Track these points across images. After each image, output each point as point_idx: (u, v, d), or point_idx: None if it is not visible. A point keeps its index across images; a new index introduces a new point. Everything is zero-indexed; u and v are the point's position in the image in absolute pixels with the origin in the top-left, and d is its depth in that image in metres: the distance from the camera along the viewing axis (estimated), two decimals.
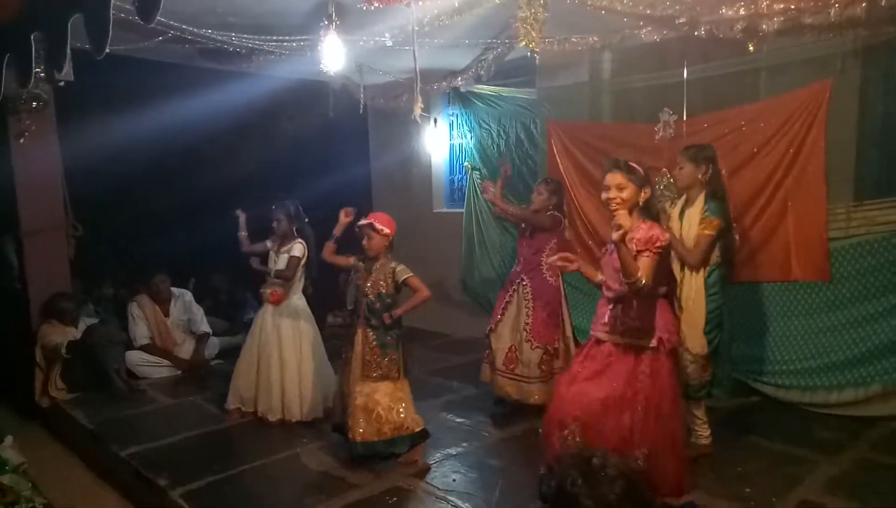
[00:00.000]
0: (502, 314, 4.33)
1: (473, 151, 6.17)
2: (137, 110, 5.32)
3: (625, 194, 2.66)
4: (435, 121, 6.61)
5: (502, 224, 5.97)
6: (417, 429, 3.53)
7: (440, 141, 6.74)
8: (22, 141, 4.84)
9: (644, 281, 2.53)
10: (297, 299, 4.40)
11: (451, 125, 6.71)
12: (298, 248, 4.31)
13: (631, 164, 2.71)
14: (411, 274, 3.50)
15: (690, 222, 3.37)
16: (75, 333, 5.09)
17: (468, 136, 6.25)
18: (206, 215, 5.75)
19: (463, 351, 5.70)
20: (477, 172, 6.15)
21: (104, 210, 5.67)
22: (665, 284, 2.81)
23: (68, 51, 2.18)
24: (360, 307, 3.51)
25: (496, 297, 5.97)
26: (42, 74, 3.62)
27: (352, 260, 3.61)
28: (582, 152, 5.18)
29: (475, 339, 5.75)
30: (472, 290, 6.27)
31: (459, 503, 3.15)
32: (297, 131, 6.70)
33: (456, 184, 6.88)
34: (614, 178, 2.68)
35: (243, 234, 4.53)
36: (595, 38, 4.46)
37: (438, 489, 3.30)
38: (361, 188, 7.36)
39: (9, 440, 4.10)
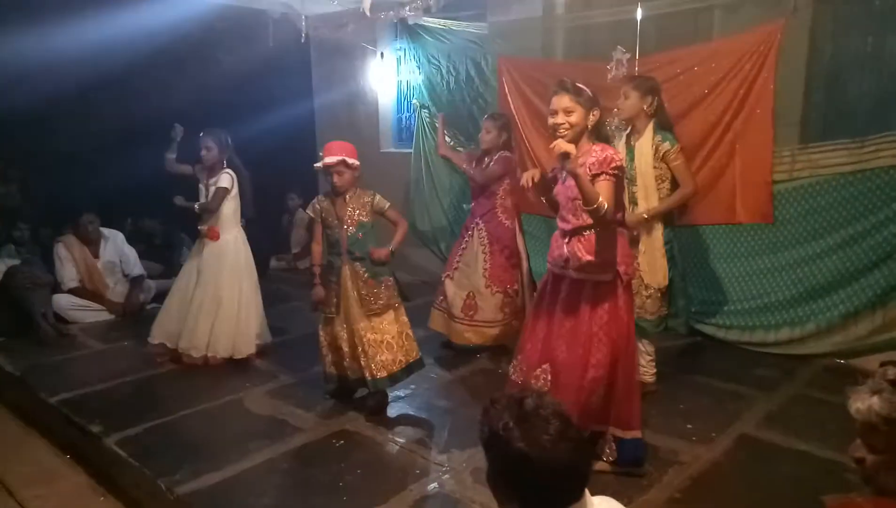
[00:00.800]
0: (458, 261, 4.27)
1: (422, 87, 5.94)
2: (53, 28, 4.82)
3: (573, 118, 2.52)
4: (382, 55, 6.31)
5: (451, 165, 5.84)
6: (417, 356, 3.53)
7: (387, 77, 6.47)
8: None
9: (606, 206, 2.42)
10: (234, 235, 4.21)
11: (398, 60, 6.44)
12: (225, 179, 4.09)
13: (578, 85, 2.56)
14: (389, 203, 3.43)
15: (641, 152, 3.33)
16: None
17: (417, 71, 6.00)
18: (135, 151, 5.37)
19: (411, 295, 5.63)
20: (426, 111, 5.94)
21: (17, 141, 5.21)
22: (622, 211, 2.73)
23: None
24: (340, 244, 3.35)
25: (445, 240, 5.95)
26: None
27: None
28: (533, 91, 5.05)
29: (423, 283, 5.70)
30: (420, 232, 6.16)
31: (407, 445, 3.12)
32: (234, 63, 6.27)
33: (404, 123, 6.67)
34: (561, 100, 2.53)
35: (171, 156, 4.29)
36: None
37: (387, 430, 3.26)
38: (304, 125, 7.06)
39: None
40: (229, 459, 3.01)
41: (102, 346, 4.67)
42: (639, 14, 4.37)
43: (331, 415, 3.42)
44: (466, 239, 4.27)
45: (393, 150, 6.63)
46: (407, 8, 5.02)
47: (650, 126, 3.34)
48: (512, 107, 5.16)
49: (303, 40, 5.37)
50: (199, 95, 5.78)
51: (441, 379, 3.96)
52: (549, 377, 2.68)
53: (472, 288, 4.20)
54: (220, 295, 4.12)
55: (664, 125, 3.39)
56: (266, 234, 6.12)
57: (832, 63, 3.91)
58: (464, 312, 4.21)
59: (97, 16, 4.97)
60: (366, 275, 3.34)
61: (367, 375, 3.35)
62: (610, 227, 2.59)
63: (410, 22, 5.61)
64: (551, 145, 2.42)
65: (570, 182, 2.54)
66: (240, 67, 6.21)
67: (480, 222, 4.21)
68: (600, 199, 2.41)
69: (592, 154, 2.52)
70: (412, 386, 3.76)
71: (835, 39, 3.89)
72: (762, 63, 3.97)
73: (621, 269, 2.62)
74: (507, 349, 4.21)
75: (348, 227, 3.33)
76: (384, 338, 3.36)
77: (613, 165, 2.49)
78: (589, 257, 2.58)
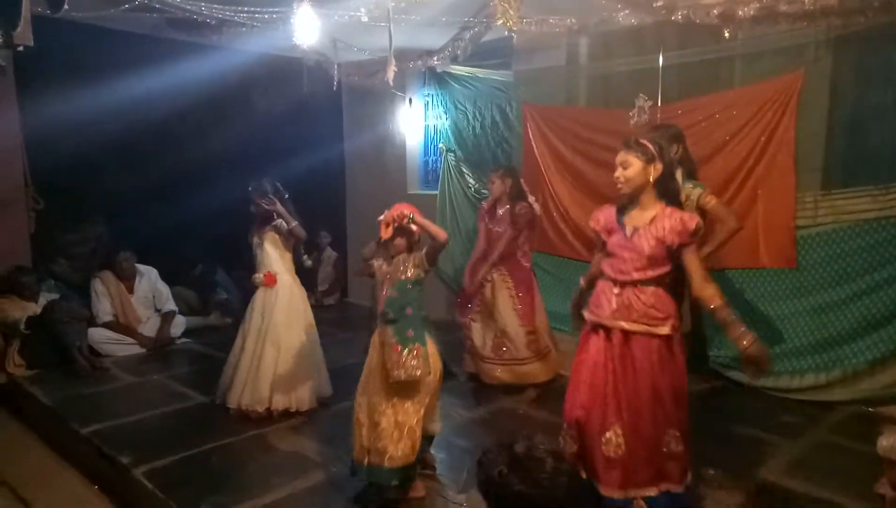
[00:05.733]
0: (477, 306, 4.37)
1: (449, 132, 6.12)
2: (103, 81, 5.14)
3: (629, 172, 2.51)
4: (410, 101, 6.53)
5: (476, 207, 5.95)
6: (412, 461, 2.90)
7: (415, 122, 6.67)
8: None
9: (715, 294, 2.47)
10: (291, 280, 4.11)
11: (426, 106, 6.65)
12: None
13: (640, 140, 2.55)
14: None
15: None
16: (35, 308, 4.96)
17: (443, 117, 6.19)
18: (176, 193, 5.63)
19: (435, 333, 5.67)
20: (452, 154, 6.11)
21: (67, 184, 5.50)
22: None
23: (23, 7, 2.09)
24: (377, 309, 3.02)
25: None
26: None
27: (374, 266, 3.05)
28: (557, 136, 5.17)
29: (446, 321, 5.75)
30: (445, 272, 6.25)
31: (427, 483, 3.13)
32: (269, 109, 6.56)
33: (430, 166, 6.83)
34: (619, 155, 2.56)
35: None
36: (573, 20, 4.44)
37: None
38: (335, 168, 7.27)
39: None
40: (252, 493, 3.05)
41: (134, 379, 4.79)
42: (660, 63, 4.50)
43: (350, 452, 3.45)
44: (483, 285, 4.35)
45: (419, 191, 6.77)
46: (435, 57, 5.21)
47: (678, 175, 3.30)
48: (536, 152, 5.28)
49: (335, 87, 5.58)
50: (235, 138, 6.05)
51: (461, 419, 3.97)
52: (623, 441, 2.54)
53: (499, 329, 4.28)
54: (281, 343, 3.96)
55: (690, 173, 3.43)
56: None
57: (854, 111, 3.95)
58: (493, 352, 4.29)
59: (143, 68, 5.28)
60: (393, 339, 2.86)
61: (380, 460, 2.84)
62: (666, 279, 2.56)
63: (438, 70, 5.81)
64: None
65: (644, 239, 2.52)
66: (275, 112, 6.49)
67: (503, 267, 4.31)
68: (716, 299, 2.47)
69: (665, 219, 2.50)
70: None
71: (856, 88, 3.94)
72: (783, 111, 4.04)
73: (676, 323, 2.57)
74: (524, 389, 4.27)
75: (387, 291, 2.95)
76: (406, 422, 2.85)
77: (691, 231, 2.47)
78: (648, 307, 2.53)
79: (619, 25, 4.34)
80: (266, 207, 3.96)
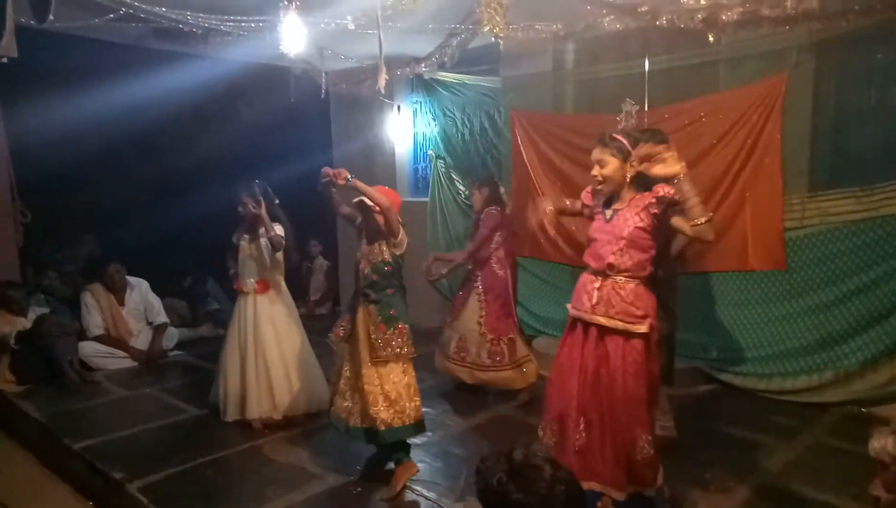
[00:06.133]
0: (461, 309, 4.40)
1: (438, 139, 6.14)
2: (88, 92, 5.11)
3: (606, 170, 2.55)
4: (398, 108, 6.54)
5: (466, 213, 5.97)
6: (420, 418, 3.23)
7: (404, 129, 6.68)
8: None
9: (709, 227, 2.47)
10: (280, 289, 4.12)
11: (414, 113, 6.66)
12: (278, 226, 4.00)
13: (614, 135, 2.58)
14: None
15: None
16: (25, 323, 4.92)
17: (432, 124, 6.20)
18: (165, 203, 5.60)
19: (426, 341, 5.61)
20: (441, 161, 6.12)
21: (54, 196, 5.46)
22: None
23: (8, 20, 2.08)
24: (359, 286, 3.22)
25: (459, 286, 6.03)
26: None
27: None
28: (545, 142, 5.20)
29: (438, 329, 5.76)
30: (430, 268, 6.26)
31: (424, 492, 3.14)
32: (256, 117, 6.55)
33: (420, 173, 6.84)
34: (594, 153, 2.59)
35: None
36: (559, 26, 4.47)
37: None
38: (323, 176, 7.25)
39: None
40: (248, 506, 3.05)
41: (125, 393, 4.76)
42: (646, 67, 4.54)
43: (349, 462, 3.44)
44: (468, 289, 4.41)
45: (410, 198, 6.77)
46: (422, 64, 5.23)
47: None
48: (525, 158, 5.31)
49: (323, 95, 5.58)
50: (223, 148, 6.04)
51: (457, 427, 3.98)
52: (583, 434, 2.60)
53: (464, 331, 4.34)
54: (275, 352, 3.99)
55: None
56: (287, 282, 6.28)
57: (837, 113, 4.01)
58: (456, 352, 4.37)
59: (130, 79, 5.25)
60: (378, 319, 3.13)
61: (369, 424, 3.14)
62: (648, 275, 2.58)
63: (426, 77, 5.83)
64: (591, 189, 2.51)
65: (621, 219, 2.55)
66: (262, 121, 6.48)
67: (477, 272, 4.35)
68: (702, 219, 2.46)
69: (644, 198, 2.54)
70: (428, 434, 3.78)
71: (839, 91, 3.99)
72: (768, 114, 4.08)
73: (653, 322, 2.57)
74: (514, 395, 4.29)
75: (364, 270, 3.18)
76: (393, 390, 3.11)
77: (671, 196, 2.48)
78: (627, 304, 2.53)
79: (605, 31, 4.37)
80: (251, 209, 3.92)
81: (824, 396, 4.01)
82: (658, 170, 2.48)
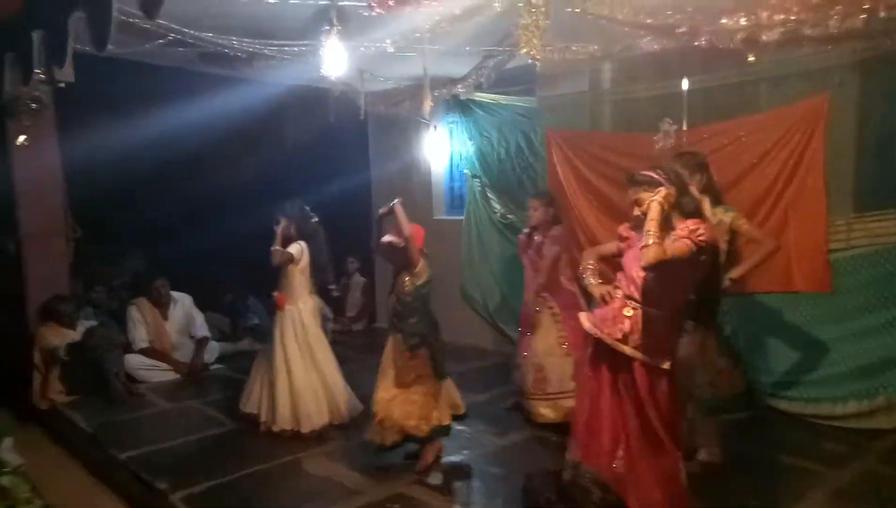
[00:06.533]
0: (533, 336, 4.22)
1: (474, 158, 6.20)
2: (138, 114, 5.33)
3: (646, 209, 2.50)
4: (435, 128, 6.63)
5: (502, 232, 5.99)
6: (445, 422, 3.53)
7: (440, 148, 6.76)
8: (19, 141, 4.83)
9: (654, 252, 2.37)
10: (302, 304, 4.25)
11: (451, 132, 6.74)
12: (294, 247, 4.18)
13: (643, 173, 2.57)
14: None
15: None
16: (74, 335, 5.09)
17: (468, 143, 6.27)
18: (208, 221, 5.77)
19: (463, 359, 5.69)
20: (477, 180, 6.18)
21: (103, 213, 5.68)
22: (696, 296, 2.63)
23: (69, 48, 2.20)
24: (390, 317, 3.58)
25: (494, 304, 6.05)
26: (42, 75, 3.65)
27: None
28: (582, 162, 5.21)
29: (476, 346, 5.78)
30: (471, 297, 6.29)
31: None
32: (297, 138, 6.72)
33: (456, 191, 6.90)
34: (629, 194, 2.60)
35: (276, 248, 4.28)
36: (596, 48, 4.49)
37: (441, 496, 3.28)
38: (362, 195, 7.37)
39: (8, 441, 4.08)
40: None
41: (169, 405, 4.89)
42: (685, 87, 4.52)
43: (387, 478, 3.47)
44: (535, 316, 4.23)
45: (445, 217, 6.84)
46: (459, 85, 5.30)
47: (706, 203, 3.29)
48: (561, 177, 5.32)
49: (362, 116, 5.69)
50: (266, 169, 6.21)
51: (494, 446, 3.97)
52: (616, 460, 2.47)
53: (542, 358, 4.13)
54: (285, 365, 4.12)
55: (716, 199, 3.41)
56: (325, 296, 6.40)
57: (883, 132, 3.92)
58: (534, 387, 4.14)
59: (176, 101, 5.45)
60: (402, 347, 3.46)
61: (375, 437, 3.50)
62: (672, 309, 2.55)
63: (462, 97, 5.90)
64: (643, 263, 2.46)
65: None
66: (302, 141, 6.65)
67: (549, 297, 4.21)
68: (654, 239, 2.38)
69: (684, 228, 2.47)
70: (465, 451, 3.80)
71: (884, 110, 3.91)
72: (811, 134, 4.03)
73: (675, 357, 2.56)
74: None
75: (394, 302, 3.51)
76: (411, 407, 3.44)
77: (700, 234, 2.42)
78: (657, 339, 2.52)
79: (643, 51, 4.38)
80: (274, 226, 4.14)
81: (875, 422, 3.89)
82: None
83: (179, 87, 5.55)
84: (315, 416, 4.10)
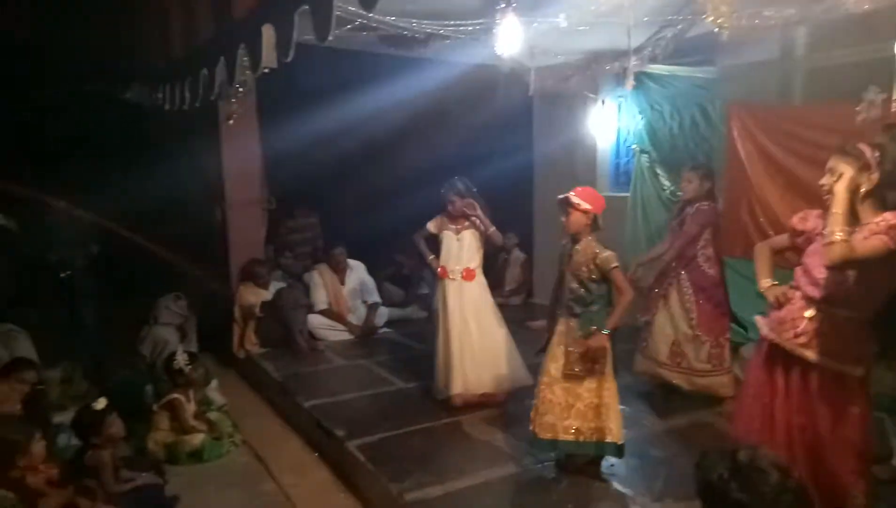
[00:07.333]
0: (658, 307, 4.24)
1: (643, 133, 5.96)
2: (324, 97, 5.85)
3: (837, 180, 2.26)
4: (603, 102, 6.46)
5: (670, 209, 5.73)
6: (617, 441, 3.13)
7: (607, 123, 6.58)
8: (230, 123, 5.49)
9: (840, 251, 2.09)
10: (481, 276, 4.37)
11: (619, 107, 6.52)
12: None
13: (859, 145, 2.27)
14: (616, 265, 3.05)
15: None
16: (267, 295, 5.73)
17: (638, 117, 6.04)
18: (384, 196, 6.20)
19: (622, 338, 5.55)
20: (645, 155, 5.95)
21: (293, 189, 6.31)
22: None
23: (293, 40, 2.45)
24: (562, 295, 3.23)
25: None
26: (249, 62, 4.10)
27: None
28: (767, 136, 4.80)
29: (636, 326, 5.61)
30: (636, 277, 6.10)
31: (621, 488, 3.14)
32: (463, 118, 6.91)
33: (622, 168, 6.70)
34: (830, 161, 2.33)
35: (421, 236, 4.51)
36: (792, 11, 4.10)
37: (599, 471, 3.28)
38: (524, 171, 7.41)
39: (214, 383, 4.77)
40: (449, 476, 3.28)
41: (344, 362, 5.36)
42: None
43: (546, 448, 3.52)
44: (665, 286, 4.22)
45: (610, 193, 6.67)
46: (633, 58, 5.11)
47: None
48: (741, 153, 4.95)
49: (530, 93, 5.70)
50: (437, 147, 6.49)
51: (654, 428, 3.88)
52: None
53: (676, 336, 4.14)
54: (477, 333, 4.21)
55: None
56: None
57: None
58: (670, 359, 4.17)
59: (354, 83, 5.89)
60: (578, 334, 3.12)
61: (533, 427, 3.23)
62: (865, 310, 2.30)
63: (635, 70, 5.68)
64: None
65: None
66: (471, 119, 6.81)
67: (682, 271, 4.15)
68: (842, 236, 2.10)
69: (871, 225, 2.20)
70: (624, 430, 3.74)
71: None
72: None
73: (869, 364, 2.31)
74: (717, 401, 4.06)
75: (571, 282, 3.15)
76: (574, 404, 3.13)
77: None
78: (843, 342, 2.29)
79: (848, 12, 3.92)
80: (467, 212, 4.19)
81: None
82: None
83: (359, 69, 5.95)
84: (474, 383, 4.18)
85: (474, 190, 4.34)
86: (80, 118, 6.69)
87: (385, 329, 6.15)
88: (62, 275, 5.49)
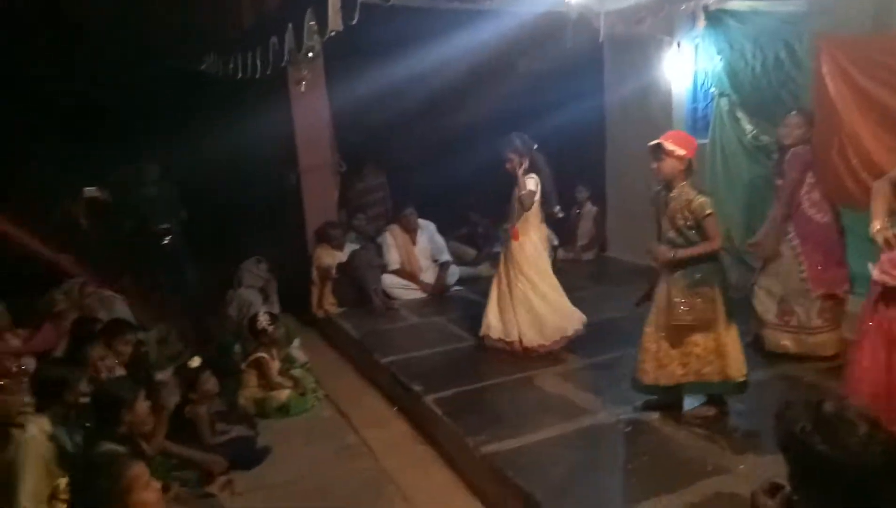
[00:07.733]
0: (769, 262, 4.00)
1: (722, 74, 5.62)
2: (388, 57, 5.80)
3: None
4: (678, 45, 6.13)
5: (752, 155, 5.43)
6: (737, 379, 3.15)
7: (683, 67, 6.25)
8: (302, 88, 5.58)
9: None
10: (535, 234, 4.37)
11: (696, 48, 6.17)
12: (530, 183, 4.21)
13: None
14: (710, 212, 3.00)
15: None
16: (342, 256, 5.90)
17: (716, 59, 5.69)
18: (452, 154, 6.19)
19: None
20: (725, 98, 5.63)
21: (362, 150, 6.39)
22: None
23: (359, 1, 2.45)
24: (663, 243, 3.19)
25: (739, 236, 5.57)
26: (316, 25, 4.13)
27: None
28: (861, 70, 4.40)
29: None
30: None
31: (698, 441, 3.09)
32: (531, 68, 6.75)
33: (699, 113, 6.37)
34: None
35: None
36: None
37: (676, 424, 3.24)
38: (594, 122, 7.18)
39: (296, 341, 4.99)
40: (525, 429, 3.33)
41: (418, 320, 5.47)
42: None
43: (619, 402, 3.51)
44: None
45: None
46: None
47: None
48: (831, 90, 4.56)
49: (601, 39, 5.49)
50: (503, 101, 6.38)
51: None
52: None
53: (785, 292, 3.91)
54: (521, 290, 4.31)
55: None
56: (553, 227, 6.52)
57: None
58: (778, 317, 3.94)
59: (418, 40, 5.80)
60: (680, 284, 3.07)
61: (638, 373, 3.29)
62: None
63: (713, 8, 5.35)
64: None
65: None
66: (537, 71, 6.64)
67: (786, 223, 3.92)
68: None
69: None
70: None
71: None
72: None
73: None
74: (820, 359, 3.86)
75: (668, 231, 3.11)
76: (693, 350, 3.14)
77: None
78: None
79: None
80: (508, 167, 4.16)
81: None
82: None
83: (423, 25, 5.87)
84: (535, 336, 4.26)
85: (535, 146, 4.26)
86: (157, 93, 6.98)
87: (456, 287, 6.22)
88: (163, 242, 5.83)
